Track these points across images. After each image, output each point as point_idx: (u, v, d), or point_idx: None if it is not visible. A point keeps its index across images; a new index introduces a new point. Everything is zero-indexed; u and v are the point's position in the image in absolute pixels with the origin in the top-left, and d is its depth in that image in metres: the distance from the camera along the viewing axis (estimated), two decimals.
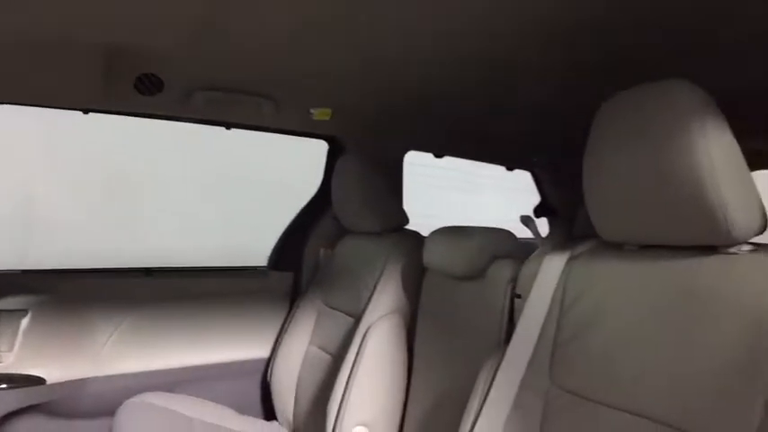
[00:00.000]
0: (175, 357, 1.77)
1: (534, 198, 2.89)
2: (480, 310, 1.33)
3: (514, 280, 1.22)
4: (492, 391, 1.00)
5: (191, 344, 1.81)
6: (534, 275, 1.08)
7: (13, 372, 1.48)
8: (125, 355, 1.69)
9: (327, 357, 1.72)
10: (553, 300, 1.01)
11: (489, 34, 1.16)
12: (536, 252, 1.15)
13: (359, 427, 1.43)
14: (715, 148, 0.73)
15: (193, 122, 1.75)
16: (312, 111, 1.75)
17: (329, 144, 2.08)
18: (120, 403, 1.52)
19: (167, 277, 1.83)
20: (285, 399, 1.80)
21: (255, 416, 1.86)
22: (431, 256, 1.46)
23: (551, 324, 0.99)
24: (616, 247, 0.96)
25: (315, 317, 1.85)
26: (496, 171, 2.71)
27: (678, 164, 0.75)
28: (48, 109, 1.51)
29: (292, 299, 2.02)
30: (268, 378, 1.87)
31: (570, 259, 1.03)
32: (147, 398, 1.56)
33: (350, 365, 1.49)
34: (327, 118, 1.80)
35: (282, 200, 2.43)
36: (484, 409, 0.99)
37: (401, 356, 1.51)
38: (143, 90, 1.44)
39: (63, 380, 1.55)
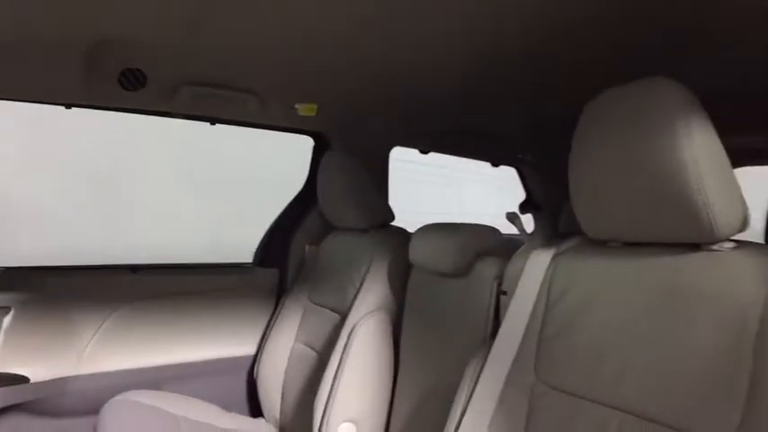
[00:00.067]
0: (161, 355, 1.76)
1: (519, 193, 2.91)
2: (466, 306, 1.34)
3: (500, 277, 1.23)
4: (478, 387, 1.01)
5: (176, 341, 1.80)
6: (520, 272, 1.09)
7: None
8: (110, 352, 1.67)
9: (313, 354, 1.72)
10: (538, 296, 1.01)
11: (475, 33, 1.16)
12: (521, 249, 1.16)
13: (346, 424, 1.44)
14: (699, 146, 0.74)
15: (178, 118, 1.73)
16: (297, 106, 1.74)
17: (315, 140, 2.07)
18: (106, 401, 1.51)
19: (153, 274, 1.82)
20: (271, 396, 1.80)
21: (242, 413, 1.86)
22: (417, 253, 1.46)
23: (536, 320, 1.00)
24: (600, 244, 0.97)
25: (301, 314, 1.85)
26: (482, 167, 2.72)
27: (662, 162, 0.76)
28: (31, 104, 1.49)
29: (278, 296, 2.02)
30: (254, 375, 1.86)
31: (555, 256, 1.04)
32: (133, 396, 1.55)
33: (336, 362, 1.49)
34: (313, 114, 1.79)
35: (268, 196, 2.42)
36: (470, 404, 1.00)
37: (387, 353, 1.52)
38: (126, 85, 1.42)
39: (47, 378, 1.53)
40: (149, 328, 1.75)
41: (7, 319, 1.49)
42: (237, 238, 2.42)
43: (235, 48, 1.29)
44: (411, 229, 1.57)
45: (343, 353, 1.49)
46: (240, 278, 1.98)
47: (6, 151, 3.88)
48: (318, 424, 1.45)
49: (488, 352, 1.03)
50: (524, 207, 2.86)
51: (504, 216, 1.43)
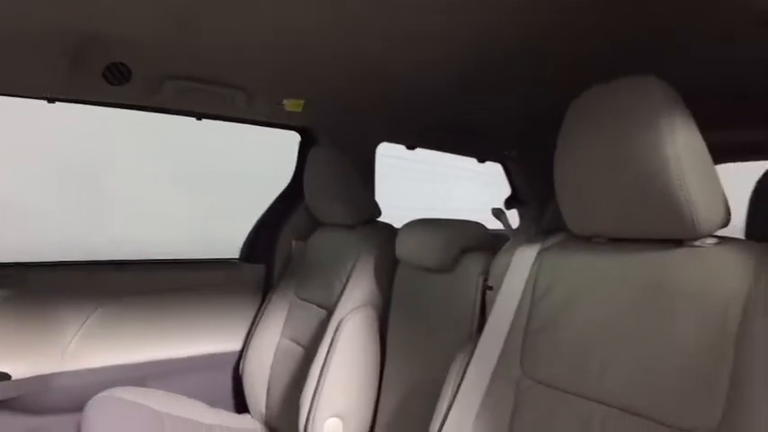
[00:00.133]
0: (146, 351, 1.75)
1: (505, 189, 2.92)
2: (452, 301, 1.34)
3: (486, 272, 1.23)
4: (464, 381, 1.01)
5: (161, 337, 1.78)
6: (505, 268, 1.09)
7: None
8: (94, 349, 1.66)
9: (300, 350, 1.71)
10: (524, 292, 1.02)
11: (462, 31, 1.16)
12: (507, 244, 1.16)
13: (332, 419, 1.44)
14: (682, 143, 0.75)
15: (163, 113, 1.72)
16: (284, 102, 1.74)
17: (301, 135, 2.06)
18: (90, 398, 1.50)
19: (137, 270, 1.80)
20: (257, 392, 1.79)
21: (227, 409, 1.86)
22: (403, 249, 1.46)
23: (522, 315, 1.00)
24: (585, 240, 0.98)
25: (287, 309, 1.84)
26: (468, 163, 2.73)
27: (646, 158, 0.77)
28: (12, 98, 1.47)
29: (264, 291, 2.01)
30: (240, 371, 1.85)
31: (541, 252, 1.05)
32: (117, 392, 1.54)
33: (323, 358, 1.49)
34: (299, 109, 1.79)
35: (255, 191, 2.41)
36: (456, 399, 1.00)
37: (374, 348, 1.52)
38: (111, 79, 1.41)
39: (29, 375, 1.52)
40: (134, 325, 1.73)
41: None
42: (224, 233, 2.41)
43: (221, 43, 1.28)
44: (397, 225, 1.58)
45: (329, 348, 1.49)
46: (226, 274, 1.97)
47: None
48: (304, 419, 1.45)
49: (474, 347, 1.04)
50: (510, 203, 2.89)
51: (490, 212, 1.44)
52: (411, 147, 2.33)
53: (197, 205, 4.84)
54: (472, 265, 1.33)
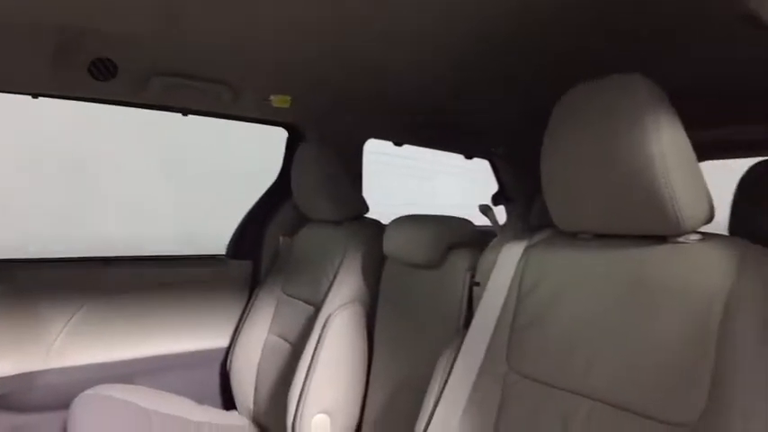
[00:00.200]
0: (132, 348, 1.74)
1: (493, 185, 2.93)
2: (440, 297, 1.35)
3: (473, 268, 1.24)
4: (451, 376, 1.02)
5: (148, 334, 1.77)
6: (492, 264, 1.10)
7: None
8: (80, 346, 1.64)
9: (287, 346, 1.71)
10: (510, 288, 1.03)
11: (449, 27, 1.17)
12: (494, 241, 1.17)
13: (320, 415, 1.44)
14: (666, 141, 0.76)
15: (149, 109, 1.70)
16: (271, 98, 1.73)
17: (289, 132, 2.06)
18: (76, 396, 1.49)
19: (124, 266, 1.79)
20: (245, 388, 1.79)
21: (215, 406, 1.85)
22: (391, 245, 1.47)
23: (509, 311, 1.01)
24: (571, 237, 0.99)
25: (274, 305, 1.84)
26: (456, 159, 2.74)
27: (631, 156, 0.78)
28: None
29: (251, 287, 2.01)
30: (227, 367, 1.85)
31: (527, 248, 1.06)
32: (103, 390, 1.53)
33: (310, 354, 1.49)
34: (287, 105, 1.78)
35: (241, 187, 2.40)
36: (443, 394, 1.01)
37: (361, 344, 1.52)
38: (96, 75, 1.39)
39: (14, 373, 1.50)
40: (120, 321, 1.72)
41: None
42: (211, 229, 2.40)
43: (208, 38, 1.27)
44: (385, 222, 1.58)
45: (317, 344, 1.49)
46: (213, 270, 1.96)
47: None
48: (292, 416, 1.45)
49: (461, 343, 1.05)
50: (497, 199, 2.90)
51: (477, 208, 1.45)
52: (398, 143, 2.33)
53: (185, 201, 4.81)
54: (459, 262, 1.34)
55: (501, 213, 2.90)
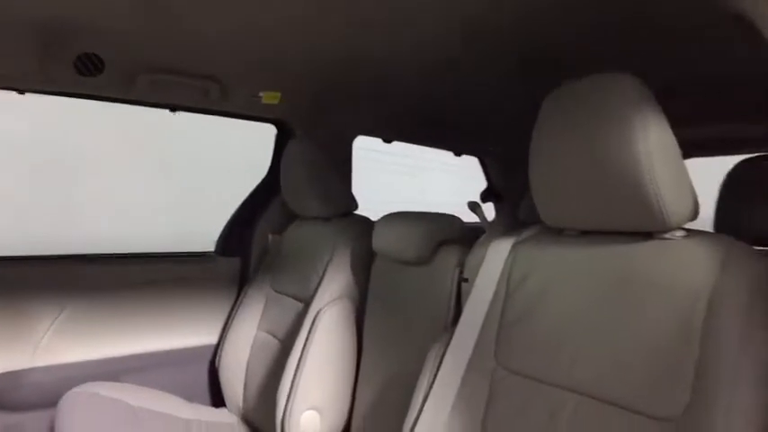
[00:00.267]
0: (121, 346, 1.73)
1: (481, 182, 2.94)
2: (428, 294, 1.35)
3: (462, 265, 1.24)
4: (440, 372, 1.03)
5: (136, 331, 1.77)
6: (481, 260, 1.10)
7: None
8: (68, 344, 1.63)
9: (276, 343, 1.71)
10: (499, 284, 1.04)
11: (439, 23, 1.17)
12: (483, 237, 1.17)
13: (309, 412, 1.44)
14: (652, 138, 0.77)
15: (137, 105, 1.69)
16: (260, 94, 1.73)
17: (278, 128, 2.05)
18: (63, 394, 1.48)
19: (112, 264, 1.78)
20: (234, 385, 1.79)
21: (204, 403, 1.85)
22: (380, 242, 1.47)
23: (497, 307, 1.02)
24: (558, 233, 1.00)
25: (263, 302, 1.84)
26: (445, 156, 2.75)
27: (618, 153, 0.79)
28: None
29: (240, 285, 2.00)
30: (216, 365, 1.84)
31: (515, 244, 1.06)
32: (91, 387, 1.52)
33: (299, 350, 1.49)
34: (276, 102, 1.78)
35: (230, 184, 2.39)
36: (432, 390, 1.02)
37: (351, 341, 1.53)
38: (83, 70, 1.38)
39: (1, 371, 1.49)
40: (108, 319, 1.71)
41: None
42: (200, 226, 2.39)
43: (196, 34, 1.27)
44: (374, 218, 1.58)
45: (306, 341, 1.49)
46: (202, 267, 1.95)
47: None
48: (282, 412, 1.45)
49: (450, 338, 1.05)
50: (485, 196, 2.92)
51: (466, 205, 1.45)
52: (388, 140, 2.33)
53: (174, 198, 4.78)
54: (448, 258, 1.34)
55: (490, 210, 2.92)
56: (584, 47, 1.25)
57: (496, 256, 1.07)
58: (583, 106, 0.84)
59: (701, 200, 0.86)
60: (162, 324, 1.82)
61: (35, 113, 3.55)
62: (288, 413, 1.43)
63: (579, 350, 0.86)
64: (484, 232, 1.21)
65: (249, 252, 2.02)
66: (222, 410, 1.79)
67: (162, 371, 1.80)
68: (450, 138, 2.53)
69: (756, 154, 1.15)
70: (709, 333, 0.73)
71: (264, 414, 1.63)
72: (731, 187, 1.13)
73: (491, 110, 1.99)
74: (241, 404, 1.77)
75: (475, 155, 2.81)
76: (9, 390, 1.52)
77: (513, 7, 1.08)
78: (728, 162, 1.16)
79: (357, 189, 2.00)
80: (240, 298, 1.92)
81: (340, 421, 1.50)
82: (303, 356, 1.47)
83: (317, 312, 1.51)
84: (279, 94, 1.74)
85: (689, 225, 0.85)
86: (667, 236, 0.83)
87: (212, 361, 1.91)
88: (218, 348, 1.88)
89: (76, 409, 1.44)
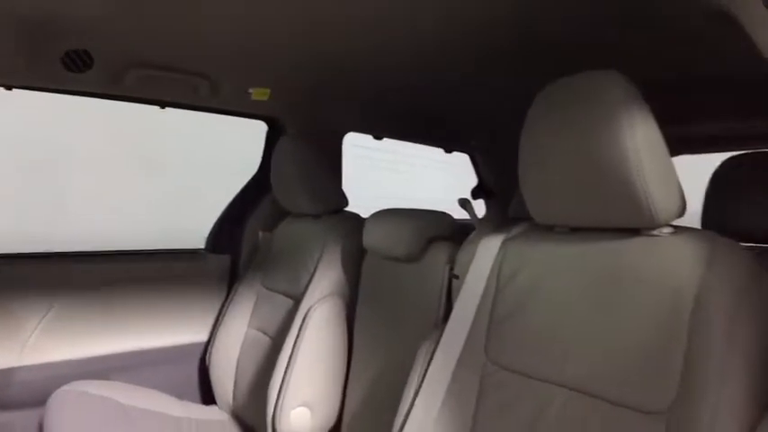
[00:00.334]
0: (110, 344, 1.72)
1: (472, 179, 2.95)
2: (419, 290, 1.36)
3: (452, 261, 1.25)
4: (430, 369, 1.03)
5: (126, 329, 1.76)
6: (471, 257, 1.11)
7: None
8: (56, 342, 1.62)
9: (267, 340, 1.71)
10: (489, 280, 1.04)
11: (429, 21, 1.17)
12: (473, 234, 1.18)
13: (300, 408, 1.44)
14: (640, 136, 0.77)
15: (126, 101, 1.68)
16: (250, 90, 1.72)
17: (268, 125, 2.05)
18: (52, 392, 1.47)
19: (101, 262, 1.77)
20: (224, 382, 1.78)
21: (194, 401, 1.84)
22: (370, 239, 1.47)
23: (487, 303, 1.02)
24: (548, 230, 1.00)
25: (254, 299, 1.83)
26: (435, 153, 2.75)
27: (606, 151, 0.79)
28: None
29: (230, 282, 2.00)
30: (207, 362, 1.84)
31: (505, 241, 1.07)
32: (80, 386, 1.51)
33: (290, 347, 1.49)
34: (266, 98, 1.77)
35: (223, 182, 2.39)
36: (422, 386, 1.02)
37: (341, 338, 1.53)
38: (71, 66, 1.37)
39: None
40: (97, 317, 1.70)
41: None
42: (193, 224, 2.38)
43: (185, 30, 1.26)
44: (365, 215, 1.58)
45: (296, 338, 1.49)
46: (192, 265, 1.95)
47: None
48: (272, 409, 1.45)
49: (440, 335, 1.06)
50: (476, 193, 2.92)
51: (457, 202, 1.46)
52: (378, 137, 2.33)
53: (166, 195, 4.75)
54: (439, 255, 1.34)
55: (480, 207, 2.93)
56: (573, 43, 1.25)
57: (487, 252, 1.08)
58: (571, 103, 0.85)
59: (687, 196, 0.86)
60: (152, 322, 1.81)
61: (27, 111, 3.51)
62: (278, 410, 1.43)
63: (569, 346, 0.87)
64: (474, 229, 1.21)
65: (239, 249, 2.02)
66: (213, 408, 1.79)
67: (152, 369, 1.80)
68: (441, 135, 2.53)
69: (743, 151, 1.17)
70: (697, 329, 0.74)
71: (255, 411, 1.63)
72: (718, 184, 1.15)
73: (481, 107, 1.99)
74: (231, 401, 1.77)
75: (465, 151, 2.81)
76: None
77: (506, 5, 1.08)
78: (715, 160, 1.17)
79: (347, 186, 2.00)
80: (230, 295, 1.91)
81: (331, 418, 1.50)
82: (294, 353, 1.47)
83: (308, 309, 1.51)
84: (268, 91, 1.74)
85: (677, 222, 0.86)
86: (655, 233, 0.84)
87: (203, 358, 1.90)
88: (208, 346, 1.87)
89: (65, 407, 1.43)
